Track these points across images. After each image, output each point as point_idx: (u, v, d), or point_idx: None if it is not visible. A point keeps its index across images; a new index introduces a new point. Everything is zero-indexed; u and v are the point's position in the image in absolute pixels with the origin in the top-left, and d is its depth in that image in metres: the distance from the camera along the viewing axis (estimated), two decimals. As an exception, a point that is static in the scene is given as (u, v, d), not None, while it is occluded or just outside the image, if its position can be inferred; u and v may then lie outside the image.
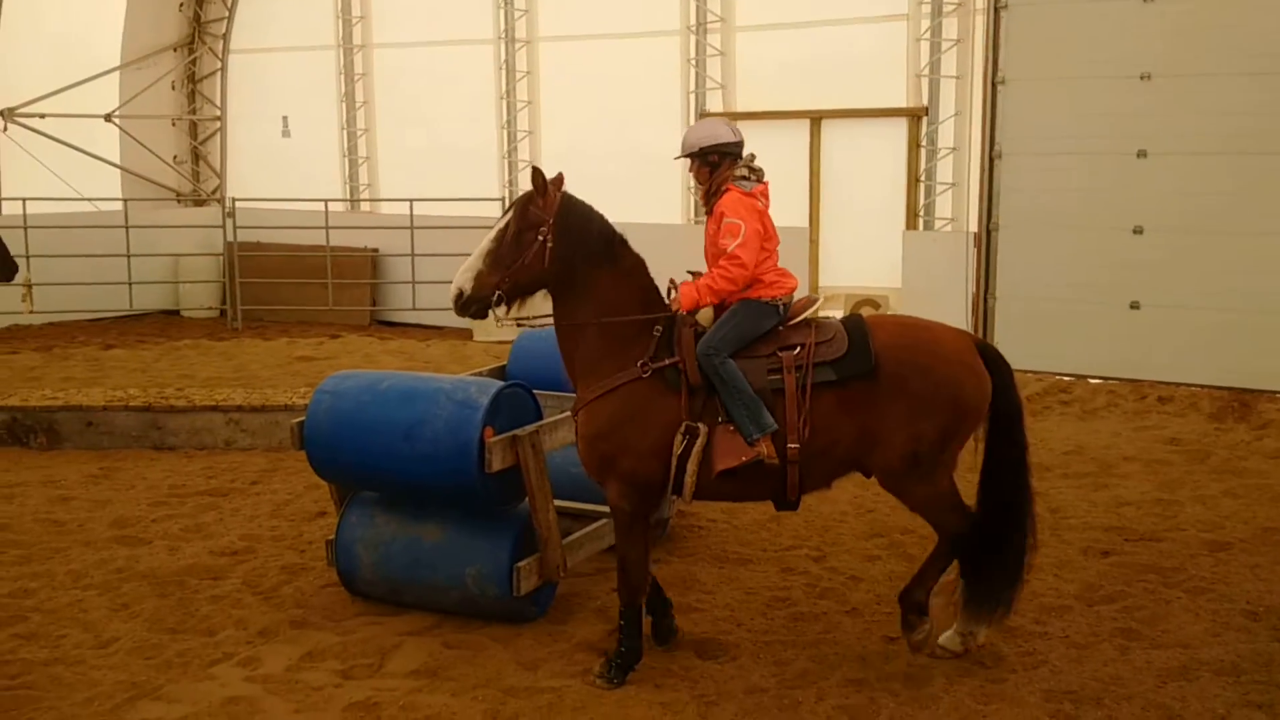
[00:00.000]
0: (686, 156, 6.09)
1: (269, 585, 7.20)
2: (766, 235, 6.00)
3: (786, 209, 15.10)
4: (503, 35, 17.36)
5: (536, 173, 5.87)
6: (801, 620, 6.59)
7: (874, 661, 6.03)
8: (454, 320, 16.68)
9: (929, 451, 5.86)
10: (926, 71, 14.48)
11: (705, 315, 5.96)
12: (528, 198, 5.88)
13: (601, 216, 5.94)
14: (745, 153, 6.10)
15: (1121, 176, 12.44)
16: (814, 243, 15.03)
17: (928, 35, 14.41)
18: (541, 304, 6.07)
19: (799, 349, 5.84)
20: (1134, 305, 12.47)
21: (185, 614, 6.80)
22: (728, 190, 5.97)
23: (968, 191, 14.16)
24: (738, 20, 15.82)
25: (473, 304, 5.85)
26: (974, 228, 13.66)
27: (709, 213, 6.08)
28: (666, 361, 5.85)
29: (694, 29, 15.91)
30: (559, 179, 5.89)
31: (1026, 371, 12.87)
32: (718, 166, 6.05)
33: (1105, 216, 12.51)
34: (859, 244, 15.15)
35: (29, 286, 15.02)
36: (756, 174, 6.07)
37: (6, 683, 5.91)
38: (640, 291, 5.99)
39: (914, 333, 6.03)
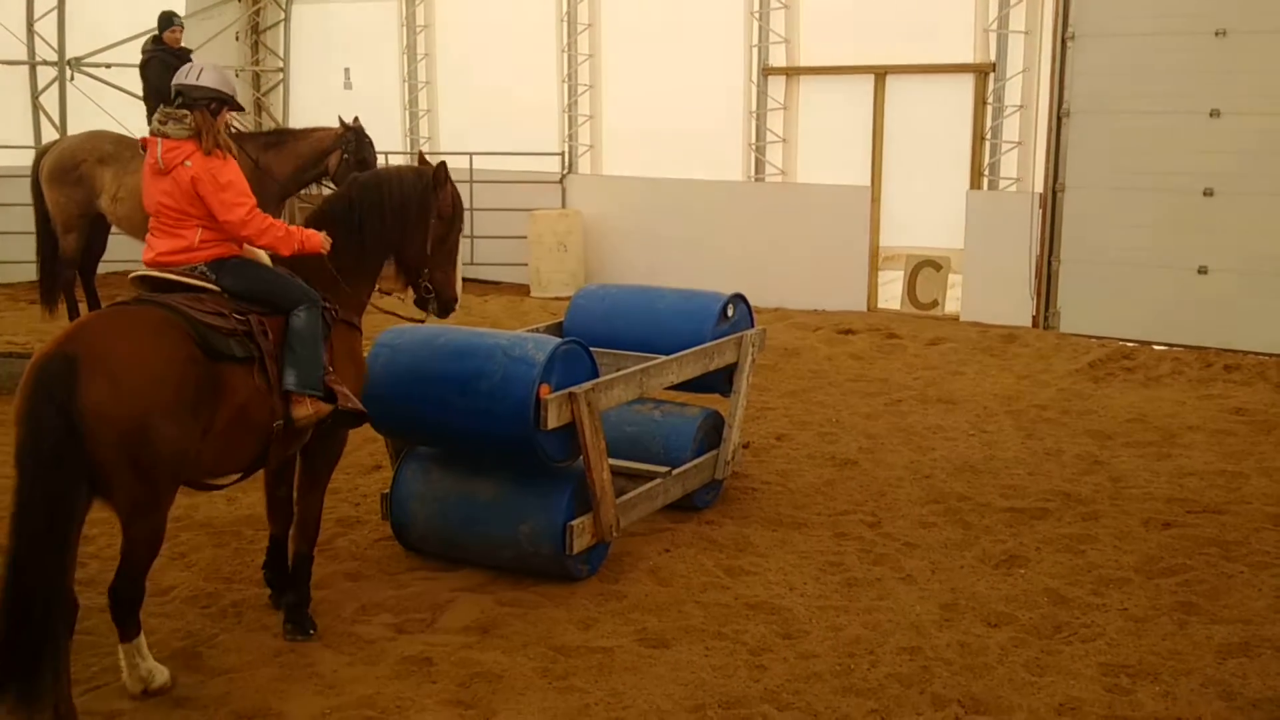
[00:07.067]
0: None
1: (324, 538, 7.20)
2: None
3: (848, 166, 15.04)
4: (565, -13, 17.22)
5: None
6: (855, 586, 6.54)
7: (928, 629, 5.98)
8: (512, 276, 16.75)
9: None
10: (994, 26, 14.18)
11: None
12: None
13: None
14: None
15: (1193, 136, 12.17)
16: (875, 201, 14.80)
17: (996, -11, 14.11)
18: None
19: None
20: (1202, 270, 12.23)
21: (241, 564, 6.87)
22: None
23: (1034, 151, 13.89)
24: (802, -27, 15.56)
25: None
26: (1040, 188, 13.43)
27: None
28: None
29: (758, -18, 15.68)
30: None
31: (1090, 336, 12.70)
32: None
33: (1175, 178, 12.26)
34: (921, 203, 14.90)
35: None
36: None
37: (66, 629, 5.98)
38: None
39: None
